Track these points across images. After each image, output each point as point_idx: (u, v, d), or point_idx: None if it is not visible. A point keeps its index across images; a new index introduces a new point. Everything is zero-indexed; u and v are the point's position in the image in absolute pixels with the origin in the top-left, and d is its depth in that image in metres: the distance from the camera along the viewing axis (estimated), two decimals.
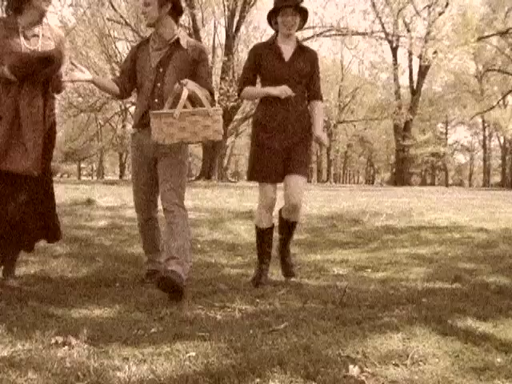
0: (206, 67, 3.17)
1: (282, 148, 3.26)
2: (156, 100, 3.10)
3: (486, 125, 41.70)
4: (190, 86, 2.91)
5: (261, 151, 3.30)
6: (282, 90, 3.18)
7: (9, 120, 2.85)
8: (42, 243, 4.38)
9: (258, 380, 1.81)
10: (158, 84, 3.10)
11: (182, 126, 2.87)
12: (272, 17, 3.30)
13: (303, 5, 3.26)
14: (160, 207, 3.25)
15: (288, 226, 3.44)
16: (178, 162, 3.13)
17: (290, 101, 3.22)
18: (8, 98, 2.86)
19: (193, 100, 2.98)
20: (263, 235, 3.44)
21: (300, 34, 18.75)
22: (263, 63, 3.29)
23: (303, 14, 3.29)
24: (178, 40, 3.13)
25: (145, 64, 3.15)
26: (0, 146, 2.82)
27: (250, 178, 3.40)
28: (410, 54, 29.17)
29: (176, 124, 2.86)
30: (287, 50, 3.30)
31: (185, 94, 2.87)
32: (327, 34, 21.87)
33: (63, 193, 8.84)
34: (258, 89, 3.35)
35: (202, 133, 2.90)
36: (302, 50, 3.33)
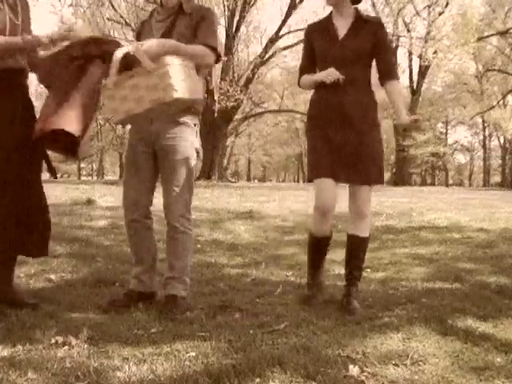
0: (209, 26, 2.67)
1: (341, 142, 2.74)
2: None
3: (486, 125, 41.62)
4: (131, 46, 2.34)
5: (315, 147, 2.79)
6: (328, 74, 2.69)
7: (63, 88, 2.41)
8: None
9: (257, 380, 1.81)
10: None
11: (122, 95, 2.32)
12: None
13: None
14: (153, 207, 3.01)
15: (355, 246, 2.87)
16: (184, 159, 2.69)
17: (342, 86, 2.70)
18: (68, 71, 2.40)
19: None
20: (317, 245, 2.95)
21: (301, 34, 18.71)
22: (316, 45, 2.82)
23: None
24: (180, 5, 2.71)
25: (148, 38, 2.70)
26: (50, 109, 2.38)
27: (308, 178, 2.89)
28: (410, 53, 29.14)
29: (116, 95, 2.32)
30: (342, 26, 2.77)
31: (116, 56, 2.29)
32: None
33: (63, 193, 8.84)
34: (308, 77, 2.85)
35: (149, 96, 2.30)
36: (362, 23, 2.76)
